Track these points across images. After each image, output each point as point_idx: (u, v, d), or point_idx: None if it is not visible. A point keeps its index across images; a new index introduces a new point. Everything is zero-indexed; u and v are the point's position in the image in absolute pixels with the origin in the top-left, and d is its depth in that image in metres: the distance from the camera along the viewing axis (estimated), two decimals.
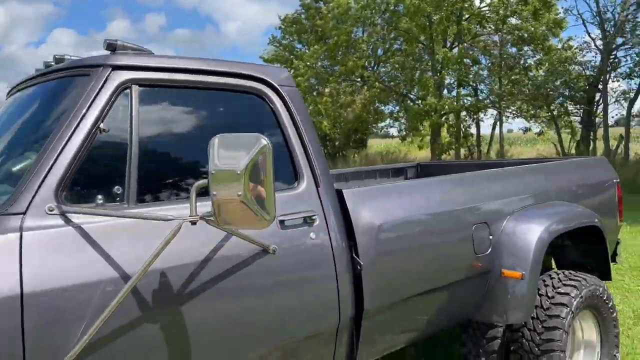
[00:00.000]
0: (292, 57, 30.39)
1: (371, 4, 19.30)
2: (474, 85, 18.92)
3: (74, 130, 1.60)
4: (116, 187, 1.65)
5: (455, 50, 18.36)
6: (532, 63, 17.41)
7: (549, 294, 2.75)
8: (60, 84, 1.85)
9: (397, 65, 20.19)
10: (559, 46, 17.09)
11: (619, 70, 16.19)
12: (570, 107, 17.15)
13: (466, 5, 17.35)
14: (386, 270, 2.19)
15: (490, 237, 2.63)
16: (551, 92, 16.38)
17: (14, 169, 1.68)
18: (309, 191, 2.06)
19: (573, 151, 16.02)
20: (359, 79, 21.77)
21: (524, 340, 2.70)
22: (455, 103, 17.83)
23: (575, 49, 16.81)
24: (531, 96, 16.69)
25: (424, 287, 2.38)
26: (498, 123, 18.96)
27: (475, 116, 18.92)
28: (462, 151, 18.54)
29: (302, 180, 2.07)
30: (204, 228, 1.58)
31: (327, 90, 21.00)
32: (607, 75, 15.84)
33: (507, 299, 2.62)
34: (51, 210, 1.49)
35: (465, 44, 18.33)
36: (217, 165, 1.41)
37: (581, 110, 16.62)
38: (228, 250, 1.74)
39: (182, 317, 1.62)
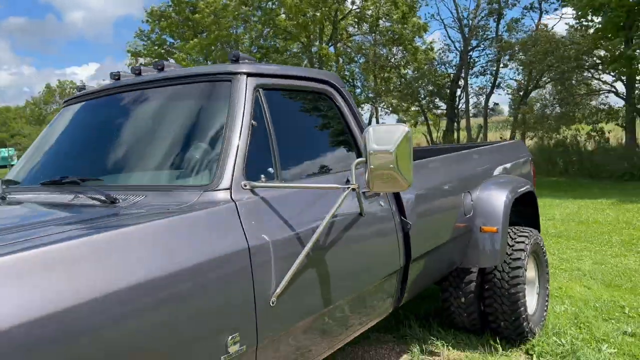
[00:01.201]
0: (162, 51, 29.63)
1: (248, 0, 19.74)
2: (351, 82, 20.30)
3: (242, 124, 2.07)
4: (269, 168, 2.14)
5: (332, 48, 19.58)
6: (402, 62, 19.19)
7: (510, 243, 3.65)
8: (203, 87, 2.26)
9: (275, 62, 20.89)
10: (423, 47, 19.08)
11: (475, 68, 18.56)
12: (436, 102, 19.24)
13: (341, 7, 18.59)
14: (422, 228, 2.89)
15: (471, 202, 3.45)
16: (419, 89, 18.25)
17: (194, 155, 2.09)
18: None
19: (441, 140, 18.05)
20: None
21: (495, 280, 3.57)
22: None
23: (438, 50, 18.89)
24: (402, 93, 18.43)
25: (441, 241, 3.12)
26: (374, 117, 20.56)
27: None
28: None
29: None
30: (324, 197, 2.15)
31: None
32: (467, 73, 18.08)
33: (485, 249, 3.46)
34: (245, 186, 1.96)
35: (340, 44, 19.59)
36: (374, 147, 1.99)
37: (445, 105, 18.74)
38: (342, 212, 2.30)
39: (335, 255, 2.18)
